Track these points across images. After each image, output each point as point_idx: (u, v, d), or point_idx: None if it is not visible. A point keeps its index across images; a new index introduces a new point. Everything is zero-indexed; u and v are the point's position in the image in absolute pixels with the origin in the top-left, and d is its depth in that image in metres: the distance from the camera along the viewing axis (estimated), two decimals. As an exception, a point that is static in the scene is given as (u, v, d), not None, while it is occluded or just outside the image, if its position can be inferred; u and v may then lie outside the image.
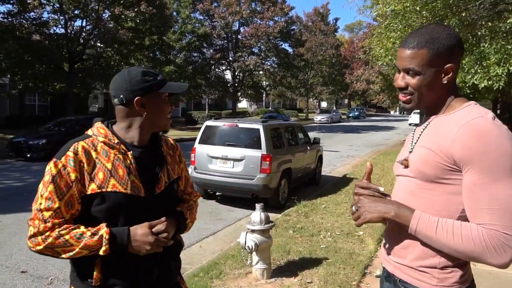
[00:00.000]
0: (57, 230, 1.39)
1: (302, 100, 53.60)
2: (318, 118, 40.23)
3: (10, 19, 17.28)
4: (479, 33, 8.90)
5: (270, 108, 50.72)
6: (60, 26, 18.60)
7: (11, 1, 16.92)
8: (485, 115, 1.24)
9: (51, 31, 18.46)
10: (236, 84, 32.70)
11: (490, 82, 8.28)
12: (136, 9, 18.22)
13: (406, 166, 1.37)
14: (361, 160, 14.44)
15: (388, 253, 1.44)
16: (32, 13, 17.54)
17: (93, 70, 19.29)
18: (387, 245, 1.46)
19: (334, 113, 43.29)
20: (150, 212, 1.51)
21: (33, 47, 17.06)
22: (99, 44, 19.83)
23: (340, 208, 7.03)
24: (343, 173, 11.31)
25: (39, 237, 1.38)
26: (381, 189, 1.37)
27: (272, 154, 7.14)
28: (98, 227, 1.42)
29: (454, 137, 1.22)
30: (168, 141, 1.74)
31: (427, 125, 1.39)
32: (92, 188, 1.43)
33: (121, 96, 1.51)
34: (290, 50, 36.32)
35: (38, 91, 19.90)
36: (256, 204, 4.06)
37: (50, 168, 1.43)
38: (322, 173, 10.76)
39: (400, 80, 1.35)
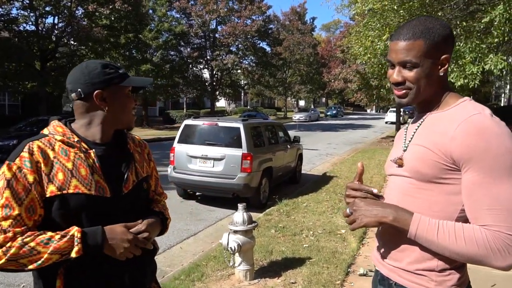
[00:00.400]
0: (19, 239, 1.23)
1: (280, 99, 53.76)
2: (297, 116, 40.43)
3: (-24, 15, 16.60)
4: (454, 32, 9.06)
5: (248, 107, 50.68)
6: (30, 23, 17.94)
7: (-23, -4, 16.24)
8: (483, 112, 1.20)
9: (21, 28, 17.79)
10: (214, 83, 32.48)
11: (466, 81, 8.46)
12: (111, 6, 17.80)
13: (401, 165, 1.32)
14: (340, 158, 14.56)
15: (383, 256, 1.38)
16: (0, 9, 16.86)
17: (66, 68, 18.71)
18: (381, 248, 1.40)
19: (312, 111, 43.60)
20: (118, 214, 1.40)
21: (2, 44, 16.40)
22: (72, 42, 19.26)
23: (322, 206, 7.03)
24: (322, 171, 11.35)
25: (0, 251, 1.23)
26: (375, 190, 1.31)
27: (253, 153, 7.07)
28: (68, 229, 1.29)
29: (452, 135, 1.17)
30: (135, 139, 1.64)
31: (421, 122, 1.33)
32: (51, 190, 1.30)
33: (79, 90, 1.40)
34: (268, 49, 36.36)
35: (7, 90, 19.17)
36: (239, 204, 3.98)
37: (3, 172, 1.28)
38: (302, 172, 10.77)
39: (397, 74, 1.29)
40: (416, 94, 1.28)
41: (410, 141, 1.33)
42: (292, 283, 3.88)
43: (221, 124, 7.43)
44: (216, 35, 31.72)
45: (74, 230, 1.29)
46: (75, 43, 19.21)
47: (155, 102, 39.71)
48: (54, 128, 1.41)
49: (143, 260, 1.49)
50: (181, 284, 3.87)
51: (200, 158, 7.28)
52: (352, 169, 11.16)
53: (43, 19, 18.11)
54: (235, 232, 3.86)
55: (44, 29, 18.20)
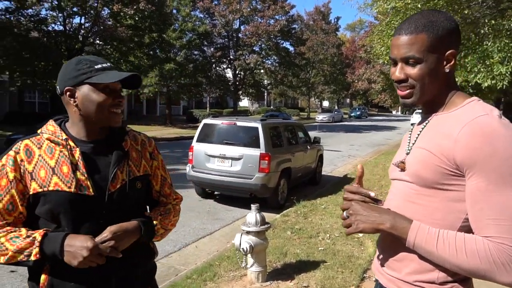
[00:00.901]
0: None
1: (303, 99, 53.43)
2: (320, 117, 40.12)
3: (8, 16, 17.18)
4: (482, 31, 8.75)
5: (271, 107, 50.62)
6: (58, 23, 18.47)
7: (9, -2, 16.84)
8: (491, 113, 1.10)
9: (49, 28, 18.32)
10: (237, 83, 32.56)
11: (493, 81, 8.13)
12: (135, 7, 18.10)
13: (403, 169, 1.24)
14: (362, 160, 14.32)
15: (382, 265, 1.31)
16: (30, 10, 17.43)
17: (92, 67, 19.18)
18: (380, 256, 1.33)
19: (335, 112, 43.14)
20: (103, 213, 1.37)
21: (31, 44, 16.95)
22: (98, 42, 19.71)
23: (340, 209, 6.90)
24: (344, 173, 11.19)
25: None
26: (372, 194, 1.24)
27: (271, 153, 7.02)
28: (37, 230, 1.31)
29: (456, 138, 1.09)
30: (137, 136, 1.60)
31: (426, 123, 1.25)
32: (33, 187, 1.33)
33: (58, 86, 1.42)
34: (291, 48, 36.17)
35: (37, 88, 19.80)
36: (252, 205, 3.94)
37: None
38: (323, 173, 10.64)
39: (399, 71, 1.20)
40: (421, 92, 1.19)
41: (413, 143, 1.25)
42: (305, 286, 3.81)
43: (239, 123, 7.41)
44: (239, 35, 31.80)
45: (38, 232, 1.29)
46: (100, 43, 19.65)
47: (178, 101, 40.21)
48: (46, 127, 1.44)
49: (135, 263, 1.46)
50: (192, 283, 3.86)
51: (218, 157, 7.28)
52: (374, 171, 10.94)
53: (71, 19, 18.61)
54: (248, 232, 3.82)
55: (71, 29, 18.70)
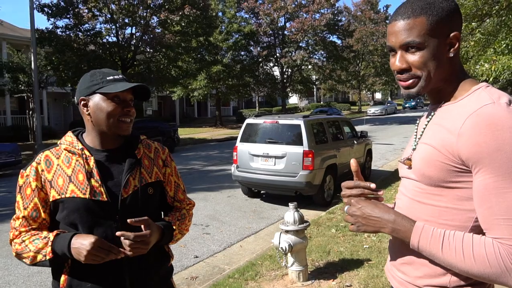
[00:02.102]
0: (22, 236, 1.43)
1: (354, 93, 52.07)
2: (372, 110, 38.94)
3: (67, 33, 18.43)
4: None
5: (321, 103, 49.89)
6: (112, 35, 19.49)
7: (68, 16, 18.04)
8: (497, 101, 0.99)
9: (104, 40, 19.40)
10: (284, 80, 32.43)
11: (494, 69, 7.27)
12: (180, 13, 18.62)
13: (410, 167, 1.15)
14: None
15: (393, 267, 1.23)
16: (86, 25, 18.56)
17: (144, 75, 20.04)
18: (391, 258, 1.25)
19: (388, 104, 41.62)
20: (116, 218, 1.44)
21: (88, 56, 18.05)
22: (148, 50, 20.55)
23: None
24: (395, 167, 10.74)
25: (12, 244, 1.46)
26: (372, 185, 1.14)
27: (314, 150, 6.91)
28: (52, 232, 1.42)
29: (459, 131, 0.99)
30: (150, 145, 1.65)
31: (432, 115, 1.15)
32: (53, 195, 1.43)
33: (75, 97, 1.52)
34: (338, 42, 35.35)
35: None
36: (290, 203, 3.90)
37: (18, 179, 1.48)
38: (373, 167, 10.32)
39: (399, 60, 1.10)
40: (426, 81, 1.09)
41: (419, 138, 1.16)
42: (348, 286, 3.70)
43: (281, 121, 7.37)
44: (285, 32, 31.60)
45: (51, 233, 1.39)
46: (150, 50, 20.46)
47: (228, 102, 40.96)
48: (64, 138, 1.54)
49: (150, 265, 1.51)
50: (234, 283, 3.89)
51: (261, 157, 7.29)
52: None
53: (123, 30, 19.55)
54: (287, 232, 3.78)
55: (123, 40, 19.65)
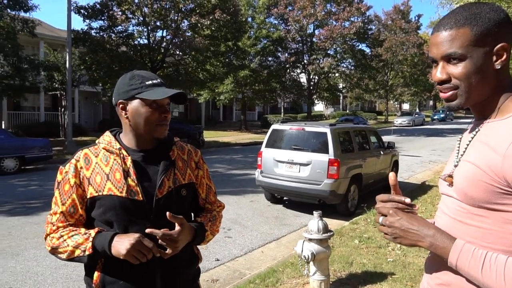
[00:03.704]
0: (60, 231, 1.47)
1: (381, 103, 51.31)
2: (399, 121, 38.27)
3: (101, 34, 18.99)
4: None
5: (347, 111, 49.40)
6: (143, 37, 19.95)
7: (103, 18, 18.60)
8: None
9: (136, 42, 19.87)
10: (311, 87, 32.29)
11: None
12: (211, 17, 18.87)
13: (451, 184, 1.12)
14: (444, 166, 13.30)
15: (429, 286, 1.19)
16: (120, 27, 19.07)
17: (173, 77, 20.39)
18: (427, 277, 1.20)
19: (416, 115, 40.77)
20: (151, 217, 1.46)
21: (120, 57, 18.53)
22: (177, 52, 20.90)
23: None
24: (422, 180, 10.51)
25: (48, 238, 1.49)
26: (407, 200, 1.11)
27: (340, 158, 6.84)
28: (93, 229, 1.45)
29: (506, 152, 0.95)
30: (184, 147, 1.68)
31: (476, 132, 1.10)
32: (90, 192, 1.46)
33: (113, 99, 1.54)
34: (367, 50, 34.95)
35: (125, 98, 21.59)
36: (314, 212, 3.86)
37: (57, 175, 1.51)
38: (399, 179, 10.09)
39: (440, 72, 1.08)
40: (468, 93, 1.06)
41: (462, 155, 1.12)
42: (370, 299, 3.63)
43: (308, 128, 7.33)
44: (313, 39, 31.49)
45: (93, 230, 1.42)
46: (179, 53, 20.81)
47: (254, 107, 41.10)
48: (103, 138, 1.58)
49: (179, 265, 1.54)
50: (255, 288, 3.89)
51: (286, 163, 7.27)
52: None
53: (154, 33, 19.98)
54: (310, 240, 3.75)
55: (154, 42, 20.07)
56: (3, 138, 11.56)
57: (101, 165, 1.48)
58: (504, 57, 1.03)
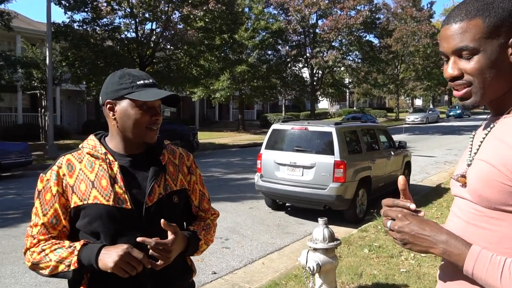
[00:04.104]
0: (41, 245, 1.45)
1: (392, 98, 51.41)
2: (411, 118, 38.36)
3: (84, 27, 19.01)
4: None
5: (354, 108, 49.49)
6: (131, 30, 19.99)
7: (86, 9, 18.63)
8: None
9: (122, 36, 19.90)
10: (314, 83, 32.36)
11: None
12: (204, 8, 18.92)
13: (464, 185, 1.12)
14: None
15: None
16: (105, 20, 19.09)
17: (163, 73, 20.42)
18: (440, 284, 1.21)
19: (430, 111, 40.88)
20: (141, 226, 1.46)
21: (105, 53, 18.55)
22: (168, 47, 20.94)
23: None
24: (437, 183, 10.52)
25: (28, 253, 1.47)
26: (412, 206, 1.12)
27: (346, 160, 6.85)
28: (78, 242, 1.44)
29: None
30: (175, 150, 1.69)
31: (490, 128, 1.11)
32: (74, 201, 1.46)
33: (100, 98, 1.55)
34: (375, 41, 35.04)
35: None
36: (319, 219, 3.86)
37: (37, 184, 1.50)
38: (412, 182, 10.13)
39: (451, 67, 1.09)
40: (483, 90, 1.07)
41: (475, 153, 1.13)
42: (382, 313, 3.63)
43: (311, 128, 7.34)
44: (317, 30, 31.59)
45: (78, 242, 1.42)
46: (171, 47, 20.84)
47: (252, 105, 41.17)
48: (87, 142, 1.58)
49: (171, 278, 1.54)
50: (255, 303, 3.88)
51: (288, 166, 7.28)
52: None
53: (143, 25, 20.03)
54: (315, 250, 3.75)
55: (143, 35, 20.11)
56: (-23, 142, 11.55)
57: (86, 172, 1.48)
58: None
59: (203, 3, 19.07)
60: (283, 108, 41.04)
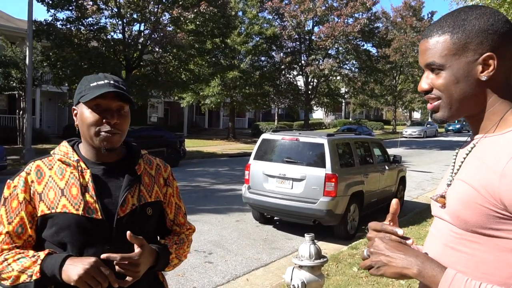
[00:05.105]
0: (4, 254, 1.43)
1: (389, 110, 51.82)
2: (408, 131, 38.69)
3: (68, 26, 18.96)
4: None
5: (350, 119, 49.80)
6: (118, 31, 19.99)
7: (70, 8, 18.60)
8: None
9: (108, 37, 19.88)
10: (309, 92, 32.55)
11: None
12: (195, 10, 19.00)
13: (443, 205, 1.14)
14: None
15: None
16: (90, 19, 19.08)
17: (151, 77, 20.41)
18: None
19: (428, 125, 41.24)
20: (111, 238, 1.46)
21: (90, 54, 18.51)
22: (157, 49, 20.97)
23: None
24: (432, 199, 10.59)
25: None
26: (400, 231, 1.14)
27: (338, 173, 6.89)
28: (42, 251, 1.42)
29: (503, 171, 0.97)
30: (152, 160, 1.70)
31: (472, 147, 1.13)
32: (42, 209, 1.45)
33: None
34: (373, 51, 35.40)
35: (94, 100, 21.55)
36: (306, 235, 3.87)
37: (4, 190, 1.49)
38: (406, 198, 10.21)
39: (423, 81, 1.16)
40: (449, 105, 1.12)
41: (456, 173, 1.15)
42: (368, 335, 3.64)
43: (302, 139, 7.39)
44: (312, 37, 31.85)
45: (43, 252, 1.41)
46: (159, 50, 20.87)
47: (244, 113, 41.25)
48: (59, 148, 1.58)
49: None
50: (236, 322, 3.87)
51: (277, 178, 7.30)
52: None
53: (130, 26, 20.05)
54: (300, 267, 3.76)
55: (130, 37, 20.11)
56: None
57: (56, 179, 1.48)
58: (491, 68, 1.07)
59: (194, 5, 19.16)
60: (276, 117, 41.16)
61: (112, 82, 1.51)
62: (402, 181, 9.66)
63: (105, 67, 18.07)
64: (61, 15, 19.35)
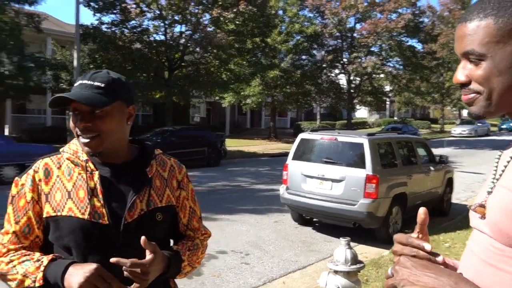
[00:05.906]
0: (10, 255, 1.39)
1: (436, 108, 50.13)
2: (457, 130, 37.35)
3: (113, 29, 19.57)
4: None
5: (395, 118, 48.59)
6: (160, 33, 20.44)
7: (115, 11, 19.18)
8: None
9: (151, 39, 20.34)
10: (351, 90, 31.98)
11: None
12: (235, 10, 19.09)
13: (483, 216, 1.00)
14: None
15: None
16: (133, 22, 19.59)
17: (192, 77, 20.70)
18: None
19: (479, 124, 39.59)
20: (117, 244, 1.39)
21: (133, 55, 19.01)
22: (197, 50, 21.24)
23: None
24: (482, 202, 10.09)
25: None
26: (428, 247, 0.99)
27: (379, 174, 6.66)
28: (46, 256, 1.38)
29: None
30: (166, 162, 1.61)
31: None
32: (47, 210, 1.41)
33: None
34: (419, 47, 34.30)
35: (139, 100, 22.07)
36: (341, 238, 3.74)
37: (12, 188, 1.45)
38: (454, 201, 9.76)
39: (459, 72, 1.00)
40: (488, 100, 0.96)
41: (498, 179, 1.00)
42: None
43: (341, 139, 7.20)
44: (354, 35, 31.26)
45: (46, 257, 1.35)
46: (200, 51, 21.14)
47: (285, 113, 41.13)
48: (68, 146, 1.52)
49: None
50: (270, 327, 3.79)
51: (316, 178, 7.15)
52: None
53: (172, 28, 20.40)
54: (336, 272, 3.63)
55: (172, 38, 20.48)
56: (2, 144, 11.99)
57: (63, 180, 1.44)
58: None
59: (233, 5, 19.26)
60: (318, 116, 40.77)
61: (84, 82, 1.42)
62: (450, 183, 9.24)
63: (148, 68, 18.50)
64: (106, 18, 19.98)
